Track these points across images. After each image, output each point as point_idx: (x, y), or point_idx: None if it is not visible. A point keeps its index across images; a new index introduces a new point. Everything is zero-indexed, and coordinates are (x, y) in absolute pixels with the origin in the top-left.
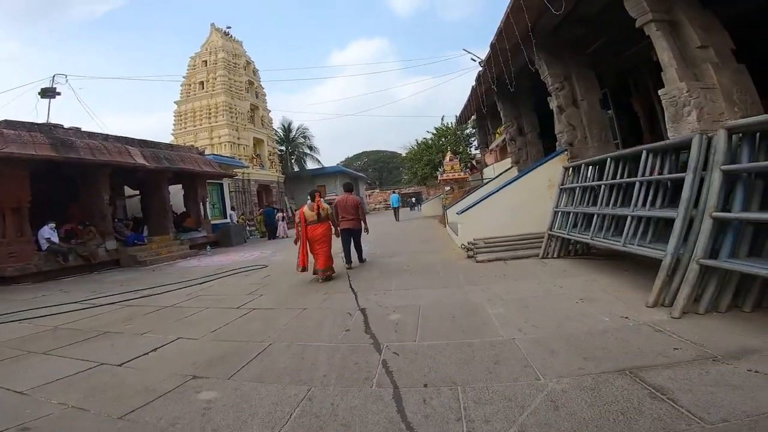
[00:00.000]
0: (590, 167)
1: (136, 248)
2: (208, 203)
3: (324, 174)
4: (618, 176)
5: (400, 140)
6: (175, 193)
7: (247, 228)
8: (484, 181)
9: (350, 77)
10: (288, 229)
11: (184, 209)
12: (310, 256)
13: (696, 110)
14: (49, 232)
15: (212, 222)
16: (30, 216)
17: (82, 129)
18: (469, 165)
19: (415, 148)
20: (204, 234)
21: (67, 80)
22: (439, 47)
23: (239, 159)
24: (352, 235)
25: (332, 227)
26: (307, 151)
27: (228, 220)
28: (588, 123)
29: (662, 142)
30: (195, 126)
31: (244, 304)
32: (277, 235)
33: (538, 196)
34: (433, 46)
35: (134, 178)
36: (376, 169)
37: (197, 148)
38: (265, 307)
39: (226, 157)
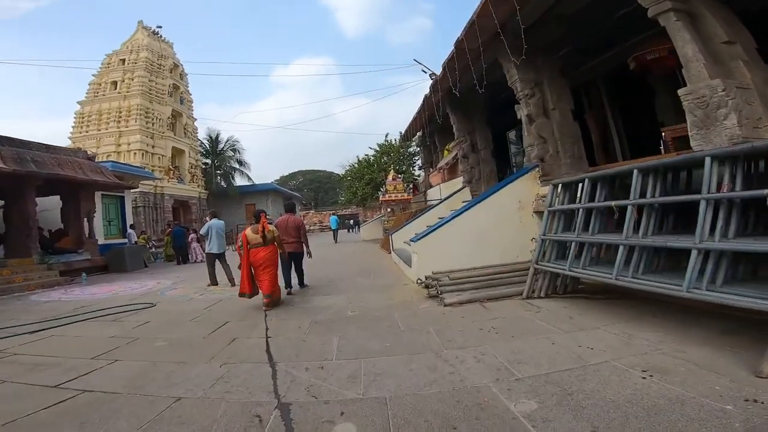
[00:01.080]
0: (598, 183)
1: None
2: (99, 219)
3: (254, 192)
4: (655, 193)
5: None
6: (55, 206)
7: (152, 250)
8: (429, 203)
9: (291, 93)
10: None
11: (61, 226)
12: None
13: (735, 113)
14: None
15: (107, 242)
16: None
17: None
18: (411, 186)
19: (356, 165)
20: (86, 257)
21: None
22: (381, 71)
23: (151, 170)
24: (293, 259)
25: (278, 250)
26: (236, 165)
27: (126, 240)
28: (560, 135)
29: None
30: (99, 130)
31: (74, 380)
32: (191, 259)
33: (507, 220)
34: (376, 69)
35: None
36: (312, 189)
37: (85, 151)
38: (107, 388)
39: (131, 165)
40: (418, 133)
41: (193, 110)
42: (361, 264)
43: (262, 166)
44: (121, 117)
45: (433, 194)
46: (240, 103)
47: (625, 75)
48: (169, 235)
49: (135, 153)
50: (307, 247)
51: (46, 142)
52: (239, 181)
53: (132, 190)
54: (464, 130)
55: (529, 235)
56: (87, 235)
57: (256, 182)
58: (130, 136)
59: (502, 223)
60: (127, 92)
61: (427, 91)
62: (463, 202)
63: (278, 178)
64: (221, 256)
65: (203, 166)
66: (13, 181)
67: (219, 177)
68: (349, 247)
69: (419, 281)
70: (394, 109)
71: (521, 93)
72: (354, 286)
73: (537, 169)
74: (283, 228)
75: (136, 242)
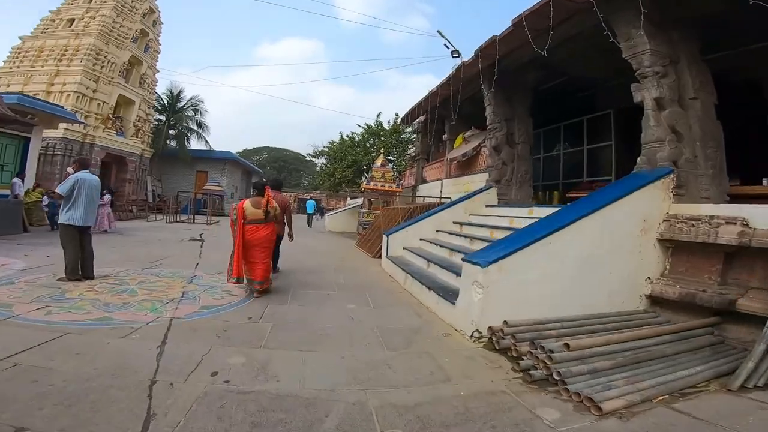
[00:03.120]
0: None
1: None
2: None
3: (209, 159)
4: None
5: (307, 143)
6: None
7: (47, 210)
8: (427, 200)
9: (272, 71)
10: (114, 219)
11: None
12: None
13: None
14: None
15: None
16: None
17: None
18: (399, 177)
19: (336, 144)
20: None
21: None
22: (367, 62)
23: (85, 116)
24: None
25: (284, 229)
26: (195, 127)
27: (8, 192)
28: (701, 135)
29: None
30: (33, 67)
31: None
32: (97, 226)
33: (622, 247)
34: (364, 59)
35: None
36: (275, 167)
37: None
38: None
39: (47, 102)
40: (419, 119)
41: (157, 61)
42: (344, 272)
43: (225, 137)
44: (64, 56)
45: (427, 190)
46: (216, 68)
47: None
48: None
49: (69, 95)
50: (291, 229)
51: None
52: (195, 145)
53: (48, 132)
54: (501, 116)
55: (645, 273)
56: None
57: (215, 149)
58: (68, 77)
59: (615, 250)
60: (82, 30)
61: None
62: (487, 206)
63: (241, 150)
64: (85, 232)
65: (155, 123)
66: None
67: (171, 136)
68: (317, 240)
69: (480, 335)
70: (377, 103)
71: (650, 69)
72: (347, 330)
73: (671, 176)
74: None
75: (18, 196)
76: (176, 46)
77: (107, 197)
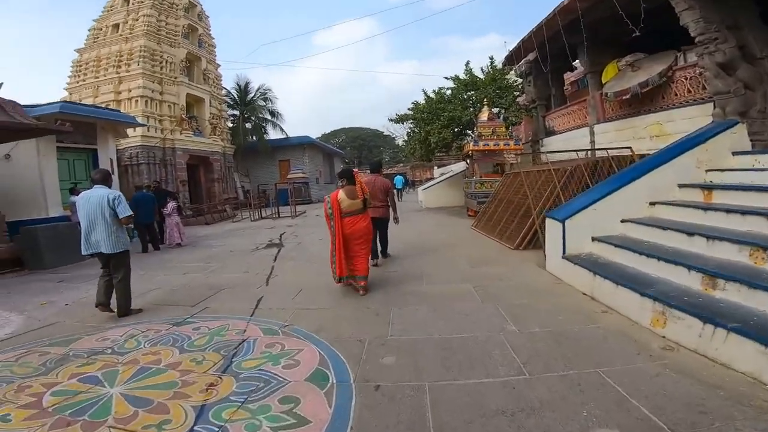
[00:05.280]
0: None
1: None
2: (55, 181)
3: (288, 146)
4: None
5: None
6: None
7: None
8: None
9: (333, 55)
10: (183, 226)
11: None
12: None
13: None
14: None
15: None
16: None
17: None
18: (513, 131)
19: (422, 104)
20: None
21: None
22: (427, 35)
23: (159, 119)
24: (378, 226)
25: (389, 212)
26: (268, 116)
27: (67, 212)
28: None
29: None
30: (97, 77)
31: None
32: (167, 241)
33: None
34: (422, 33)
35: None
36: (354, 147)
37: None
38: None
39: (98, 108)
40: (526, 58)
41: (215, 55)
42: (494, 287)
43: (300, 124)
44: (121, 61)
45: (560, 143)
46: (276, 59)
47: None
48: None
49: (137, 100)
50: (395, 211)
51: None
52: (273, 135)
53: (125, 142)
54: (718, 24)
55: None
56: None
57: (291, 136)
58: (131, 82)
59: None
60: (130, 34)
61: None
62: (735, 154)
63: (320, 135)
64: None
65: (230, 118)
66: None
67: (248, 130)
68: (417, 221)
69: None
70: (443, 71)
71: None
72: None
73: None
74: (370, 190)
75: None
76: (232, 42)
77: (171, 205)
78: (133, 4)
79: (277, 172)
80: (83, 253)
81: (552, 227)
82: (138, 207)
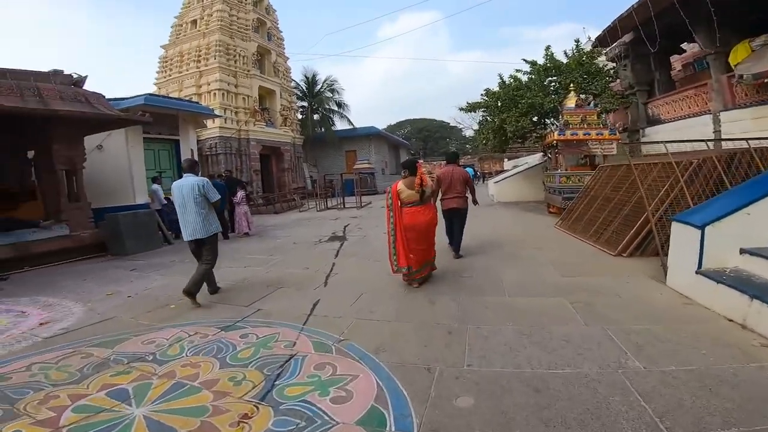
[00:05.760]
0: None
1: None
2: (141, 170)
3: (355, 137)
4: None
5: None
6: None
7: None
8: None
9: (397, 46)
10: (252, 215)
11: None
12: None
13: None
14: None
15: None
16: None
17: None
18: (608, 119)
19: (498, 91)
20: (59, 233)
21: None
22: (492, 24)
23: (234, 111)
24: (457, 217)
25: (466, 202)
26: (335, 107)
27: (147, 200)
28: None
29: None
30: (181, 72)
31: None
32: (237, 230)
33: None
34: (487, 22)
35: None
36: (420, 138)
37: (69, 75)
38: None
39: (180, 100)
40: (621, 40)
41: (284, 48)
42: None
43: (366, 116)
44: (200, 56)
45: (666, 134)
46: (340, 50)
47: None
48: None
49: (215, 93)
50: (474, 195)
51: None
52: (339, 126)
53: (205, 133)
54: None
55: None
56: (67, 198)
57: (357, 127)
58: (209, 76)
59: None
60: (206, 29)
61: None
62: None
63: (385, 126)
64: (202, 244)
65: (299, 109)
66: None
67: (316, 121)
68: (490, 216)
69: None
70: (511, 63)
71: None
72: None
73: None
74: (448, 181)
75: (165, 204)
76: (297, 34)
77: (240, 194)
78: (206, 0)
79: (344, 162)
80: (185, 239)
81: (681, 233)
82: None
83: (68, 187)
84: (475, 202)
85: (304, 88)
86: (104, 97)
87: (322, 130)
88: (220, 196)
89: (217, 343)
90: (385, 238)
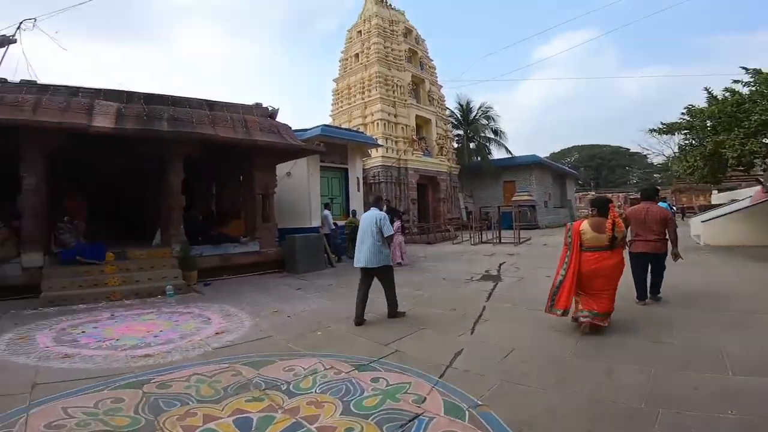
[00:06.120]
0: None
1: (76, 269)
2: (317, 197)
3: (513, 166)
4: None
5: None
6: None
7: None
8: None
9: (555, 69)
10: (405, 245)
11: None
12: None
13: None
14: None
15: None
16: None
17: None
18: None
19: (708, 108)
20: (252, 248)
21: (35, 25)
22: (669, 35)
23: (395, 141)
24: (651, 261)
25: (665, 246)
26: (491, 135)
27: (319, 223)
28: None
29: None
30: (350, 103)
31: None
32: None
33: None
34: (662, 34)
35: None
36: (591, 167)
37: (266, 108)
38: None
39: (349, 130)
40: None
41: (436, 77)
42: None
43: (525, 143)
44: (364, 88)
45: None
46: (492, 75)
47: None
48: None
49: (378, 123)
50: (675, 246)
51: (211, 99)
52: (496, 154)
53: (369, 162)
54: None
55: None
56: (261, 219)
57: (516, 155)
58: (372, 106)
59: None
60: (367, 62)
61: None
62: None
63: (548, 155)
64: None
65: (454, 138)
66: (160, 147)
67: (472, 149)
68: (701, 262)
69: None
70: (705, 79)
71: None
72: None
73: None
74: (640, 221)
75: (333, 229)
76: (447, 62)
77: (396, 224)
78: (363, 34)
79: (501, 193)
80: (355, 265)
81: None
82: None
83: (262, 209)
84: (675, 255)
85: (458, 116)
86: (290, 128)
87: (479, 159)
88: (392, 231)
89: (347, 383)
90: (546, 285)
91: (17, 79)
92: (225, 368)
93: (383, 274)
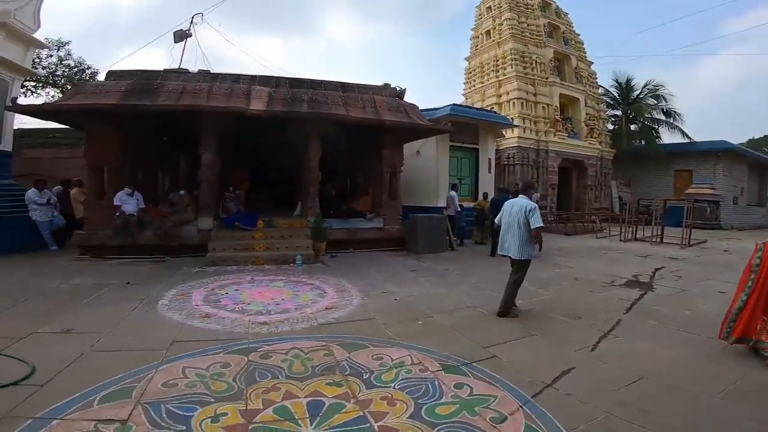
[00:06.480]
0: None
1: (234, 234)
2: (445, 177)
3: (691, 153)
4: None
5: None
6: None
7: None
8: None
9: (751, 40)
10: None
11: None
12: None
13: None
14: (122, 199)
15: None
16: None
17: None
18: None
19: None
20: (375, 224)
21: (203, 19)
22: None
23: (532, 121)
24: None
25: None
26: (661, 116)
27: (444, 204)
28: None
29: None
30: (483, 82)
31: None
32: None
33: None
34: None
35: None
36: None
37: (394, 88)
38: None
39: (477, 109)
40: None
41: (584, 52)
42: None
43: (710, 128)
44: (498, 66)
45: None
46: (659, 48)
47: None
48: (481, 205)
49: (513, 102)
50: None
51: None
52: (667, 139)
53: (503, 143)
54: None
55: None
56: (387, 196)
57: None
58: (508, 85)
59: None
60: (499, 38)
61: None
62: None
63: (745, 141)
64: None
65: (609, 119)
66: (301, 126)
67: (631, 132)
68: None
69: None
70: None
71: None
72: None
73: None
74: None
75: (458, 211)
76: (599, 36)
77: None
78: (494, 10)
79: (671, 183)
80: (498, 252)
81: None
82: (496, 210)
83: (389, 187)
84: None
85: (615, 94)
86: (418, 107)
87: (641, 143)
88: (541, 224)
89: (429, 382)
90: (718, 300)
91: (195, 69)
92: (321, 346)
93: (518, 267)
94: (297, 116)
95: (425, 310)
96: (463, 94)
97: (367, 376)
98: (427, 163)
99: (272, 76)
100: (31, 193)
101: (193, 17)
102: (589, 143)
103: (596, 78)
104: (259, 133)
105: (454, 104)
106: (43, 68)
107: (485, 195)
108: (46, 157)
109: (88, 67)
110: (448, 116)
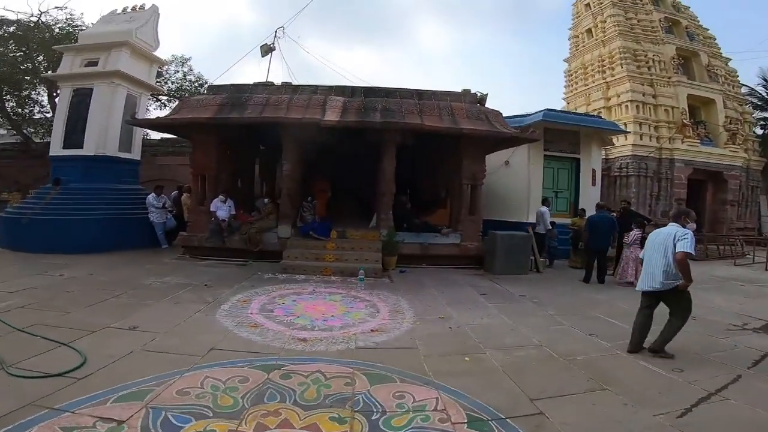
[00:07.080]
0: None
1: (307, 242)
2: (538, 189)
3: None
4: None
5: None
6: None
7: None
8: None
9: None
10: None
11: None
12: None
13: None
14: (216, 205)
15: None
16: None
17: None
18: None
19: None
20: (452, 240)
21: (284, 32)
22: None
23: (652, 126)
24: None
25: None
26: None
27: (534, 220)
28: None
29: None
30: (586, 85)
31: None
32: (617, 275)
33: None
34: None
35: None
36: None
37: (474, 94)
38: None
39: (579, 114)
40: None
41: (718, 48)
42: None
43: None
44: (604, 66)
45: None
46: None
47: None
48: (577, 224)
49: (626, 105)
50: None
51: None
52: None
53: (614, 151)
54: None
55: None
56: (467, 211)
57: None
58: (618, 87)
59: None
60: (603, 37)
61: None
62: None
63: None
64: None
65: (757, 123)
66: (375, 136)
67: None
68: None
69: None
70: None
71: None
72: None
73: None
74: None
75: (548, 228)
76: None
77: (634, 234)
78: (593, 6)
79: None
80: (637, 288)
81: None
82: (592, 230)
83: (469, 200)
84: None
85: (764, 94)
86: (501, 114)
87: None
88: (690, 251)
89: None
90: None
91: (279, 82)
92: (346, 373)
93: (673, 296)
94: (369, 126)
95: (479, 343)
96: (564, 98)
97: (377, 416)
98: (517, 175)
99: (348, 86)
100: (150, 197)
101: (276, 31)
102: (731, 151)
103: (737, 76)
104: (337, 143)
105: (548, 109)
106: (172, 83)
107: (582, 211)
108: (173, 164)
109: (206, 82)
110: (541, 122)
